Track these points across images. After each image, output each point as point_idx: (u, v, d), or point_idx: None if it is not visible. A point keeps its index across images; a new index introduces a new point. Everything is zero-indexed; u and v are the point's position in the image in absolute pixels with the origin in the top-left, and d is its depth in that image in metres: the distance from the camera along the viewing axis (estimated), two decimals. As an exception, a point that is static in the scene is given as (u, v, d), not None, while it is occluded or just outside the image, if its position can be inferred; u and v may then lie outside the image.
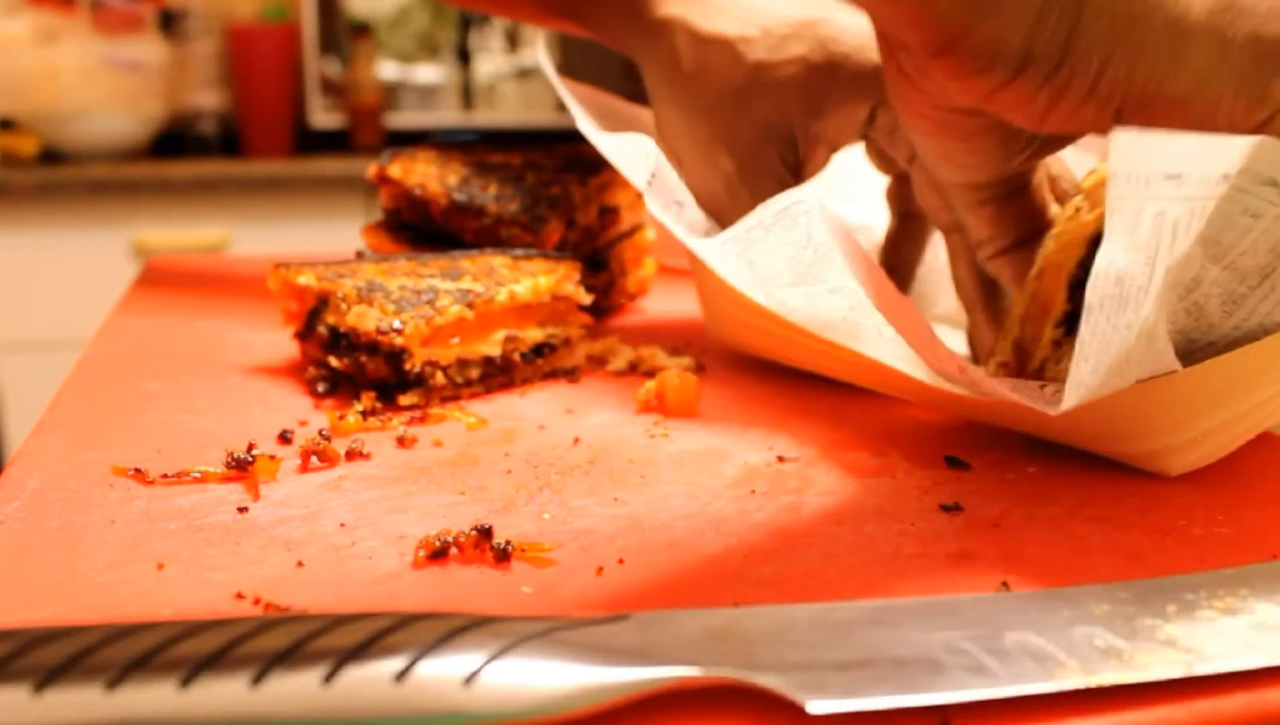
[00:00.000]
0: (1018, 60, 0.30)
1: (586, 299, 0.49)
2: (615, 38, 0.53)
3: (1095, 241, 0.36)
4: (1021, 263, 0.40)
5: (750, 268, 0.41)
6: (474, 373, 0.46)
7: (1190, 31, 0.29)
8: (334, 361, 0.44)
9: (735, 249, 0.41)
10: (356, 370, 0.44)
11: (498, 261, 0.49)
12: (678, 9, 0.50)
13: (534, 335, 0.47)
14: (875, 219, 0.55)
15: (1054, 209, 0.40)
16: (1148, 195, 0.27)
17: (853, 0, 0.30)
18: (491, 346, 0.46)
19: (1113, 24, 0.29)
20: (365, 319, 0.43)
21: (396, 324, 0.43)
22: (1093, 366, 0.31)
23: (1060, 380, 0.36)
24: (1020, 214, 0.39)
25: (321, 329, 0.45)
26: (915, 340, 0.36)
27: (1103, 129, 0.31)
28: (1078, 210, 0.38)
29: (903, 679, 0.22)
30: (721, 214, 0.48)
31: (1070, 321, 0.37)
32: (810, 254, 0.39)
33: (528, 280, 0.47)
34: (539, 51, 0.52)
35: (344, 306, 0.45)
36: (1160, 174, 0.27)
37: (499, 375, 0.46)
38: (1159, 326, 0.30)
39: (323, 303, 0.46)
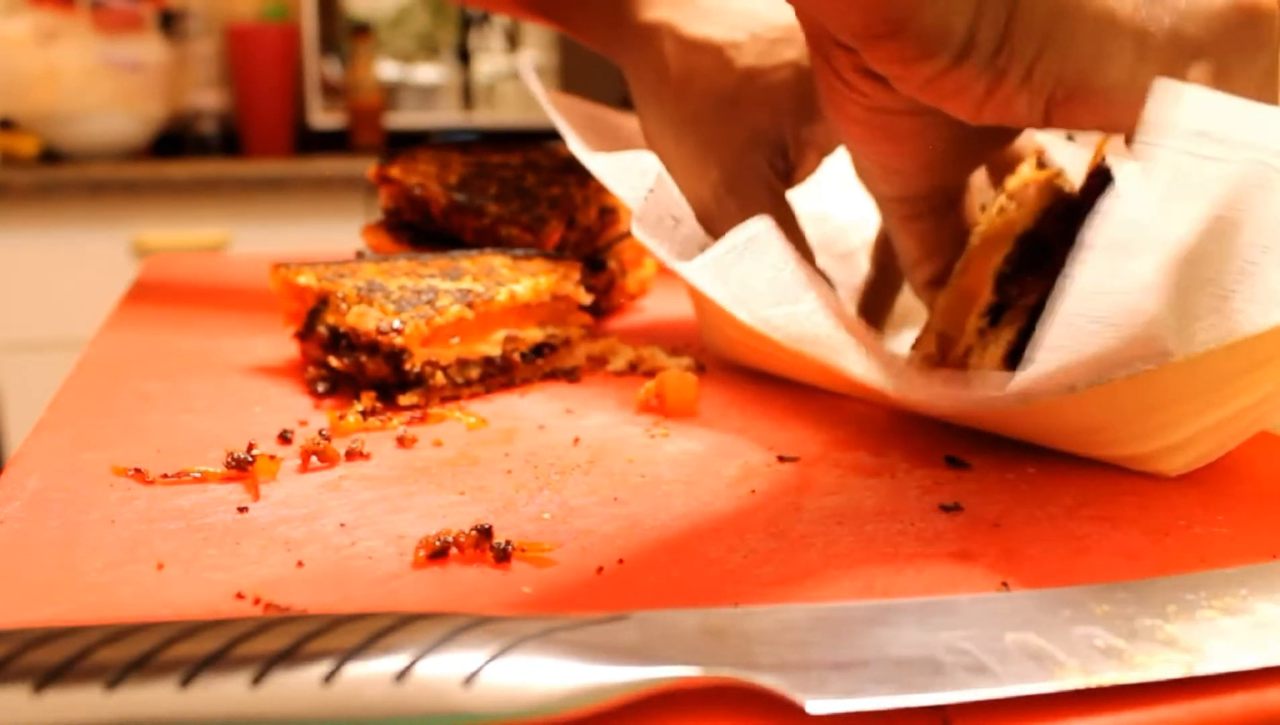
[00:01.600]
0: (960, 45, 0.30)
1: (586, 299, 0.49)
2: (598, 41, 0.52)
3: (1023, 239, 0.38)
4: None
5: (729, 288, 0.42)
6: (474, 372, 0.46)
7: (1117, 26, 0.30)
8: (334, 361, 0.44)
9: (711, 272, 0.42)
10: (356, 370, 0.44)
11: (498, 261, 0.49)
12: (663, 13, 0.49)
13: (534, 335, 0.47)
14: (867, 215, 0.54)
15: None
16: (1173, 144, 0.27)
17: None
18: (491, 346, 0.46)
19: (1048, 13, 0.30)
20: (365, 319, 0.43)
21: (396, 324, 0.43)
22: (1084, 306, 0.30)
23: (987, 367, 0.37)
24: (952, 234, 0.40)
25: (321, 329, 0.45)
26: (887, 366, 0.36)
27: (1034, 121, 0.32)
28: (1002, 209, 0.39)
29: (903, 679, 0.22)
30: (710, 223, 0.47)
31: (995, 313, 0.38)
32: (788, 276, 0.40)
33: (528, 280, 0.47)
34: (525, 69, 0.52)
35: (344, 306, 0.45)
36: (1189, 129, 0.27)
37: (499, 375, 0.46)
38: (1160, 297, 0.30)
39: (323, 303, 0.46)
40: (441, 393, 0.44)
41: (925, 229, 0.40)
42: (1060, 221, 0.38)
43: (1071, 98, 0.31)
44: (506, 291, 0.46)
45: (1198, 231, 0.30)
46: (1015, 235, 0.38)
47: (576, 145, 0.48)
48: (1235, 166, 0.28)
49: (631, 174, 0.45)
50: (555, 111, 0.50)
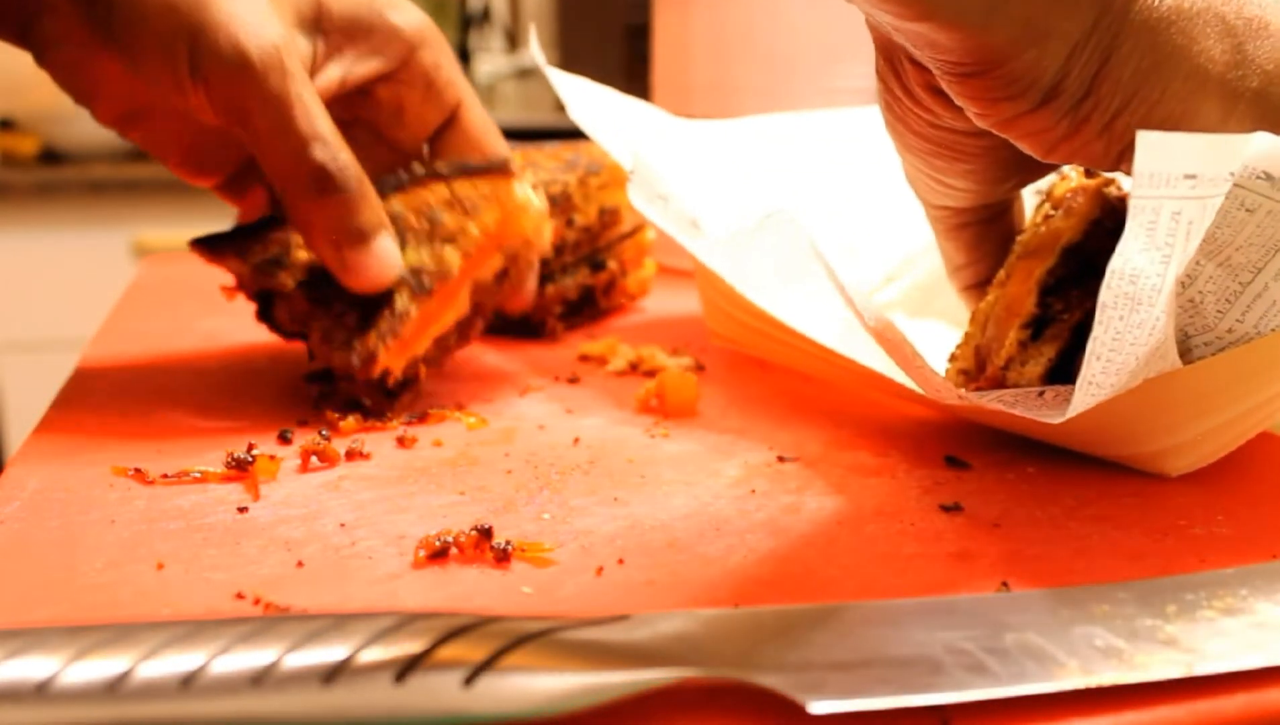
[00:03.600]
0: (1048, 90, 0.30)
1: (539, 203, 0.46)
2: None
3: (1067, 250, 0.37)
4: None
5: (740, 270, 0.41)
6: (451, 340, 0.45)
7: (1206, 85, 0.30)
8: (324, 393, 0.43)
9: (722, 251, 0.41)
10: (350, 390, 0.43)
11: (435, 201, 0.45)
12: None
13: (495, 264, 0.45)
14: (863, 242, 0.54)
15: None
16: (1167, 195, 0.28)
17: (899, 10, 0.29)
18: (460, 306, 0.44)
19: (1139, 67, 0.30)
20: (340, 358, 0.41)
21: (355, 361, 0.41)
22: (1103, 365, 0.31)
23: (1025, 383, 0.36)
24: (998, 241, 0.40)
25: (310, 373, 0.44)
26: (904, 365, 0.36)
27: (1107, 165, 0.32)
28: (1047, 217, 0.38)
29: (903, 679, 0.22)
30: None
31: (1037, 326, 0.37)
32: (798, 259, 0.39)
33: (474, 227, 0.44)
34: (532, 43, 0.52)
35: (312, 343, 0.43)
36: (1179, 174, 0.27)
37: (476, 320, 0.45)
38: (1169, 326, 0.31)
39: (268, 294, 0.44)
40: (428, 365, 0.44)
41: (972, 236, 0.40)
42: (1109, 235, 0.37)
43: None
44: (457, 259, 0.43)
45: (1192, 262, 0.30)
46: (1060, 246, 0.37)
47: (579, 111, 0.48)
48: (1219, 196, 0.28)
49: (626, 151, 0.45)
50: (561, 85, 0.50)
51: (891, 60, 0.34)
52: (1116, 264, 0.29)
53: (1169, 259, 0.29)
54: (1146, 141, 0.27)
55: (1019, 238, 0.39)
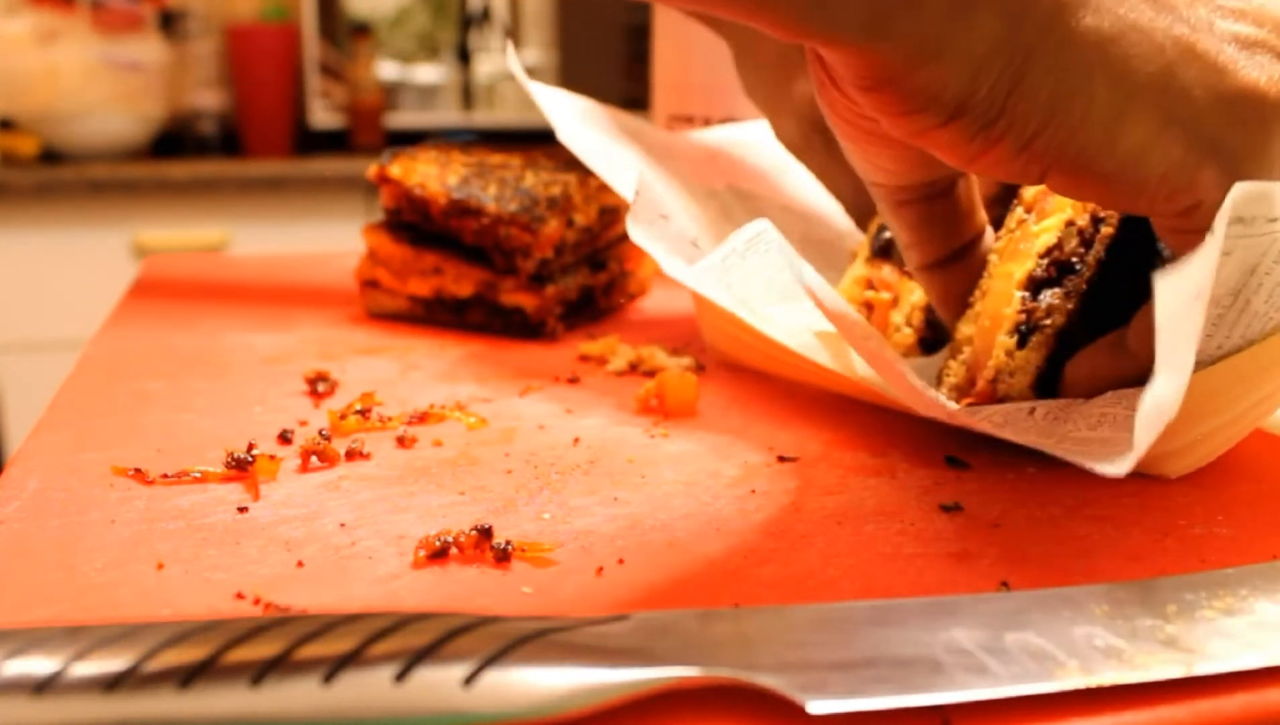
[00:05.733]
0: (953, 108, 0.29)
1: None
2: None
3: (1045, 254, 0.37)
4: (952, 282, 0.39)
5: (730, 291, 0.41)
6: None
7: (1128, 112, 0.29)
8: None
9: (713, 276, 0.42)
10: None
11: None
12: None
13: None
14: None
15: (983, 215, 0.39)
16: (1189, 319, 0.27)
17: (775, 30, 0.29)
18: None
19: (1055, 92, 0.29)
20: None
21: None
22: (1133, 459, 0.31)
23: (1017, 395, 0.36)
24: (945, 217, 0.38)
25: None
26: (896, 386, 0.36)
27: (1030, 181, 0.31)
28: (1021, 222, 0.38)
29: (903, 679, 0.22)
30: (805, 157, 0.53)
31: (1022, 334, 0.37)
32: (788, 275, 0.39)
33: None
34: (510, 61, 0.52)
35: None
36: (1190, 296, 0.27)
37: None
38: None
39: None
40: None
41: (915, 215, 0.38)
42: (1080, 234, 0.37)
43: (1070, 174, 0.30)
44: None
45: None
46: (1035, 252, 0.37)
47: (567, 133, 0.48)
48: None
49: (619, 171, 0.45)
50: (546, 104, 0.50)
51: (813, 53, 0.33)
52: (1149, 401, 0.28)
53: (1185, 374, 0.28)
54: (1165, 287, 0.25)
55: (995, 246, 0.39)
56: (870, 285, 0.42)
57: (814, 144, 0.52)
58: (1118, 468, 0.28)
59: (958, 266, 0.39)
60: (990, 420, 0.34)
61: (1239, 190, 0.28)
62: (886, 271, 0.41)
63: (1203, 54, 0.29)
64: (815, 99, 0.37)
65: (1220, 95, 0.29)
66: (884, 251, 0.42)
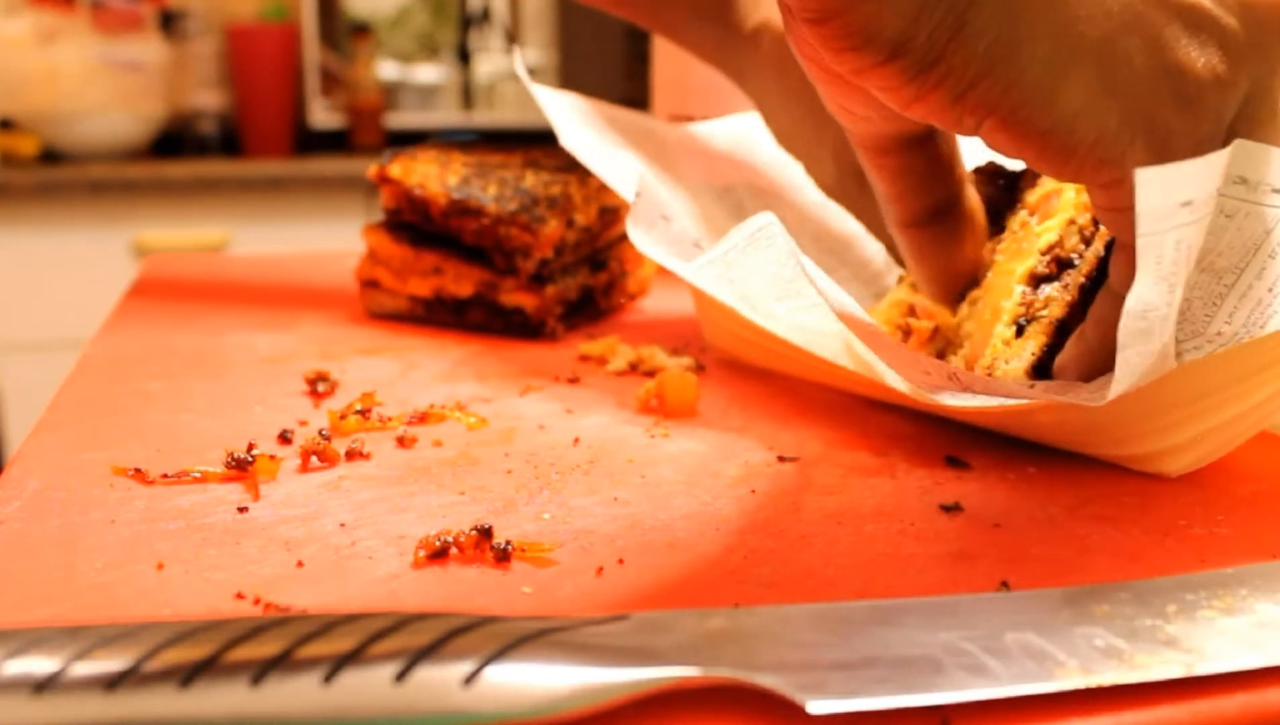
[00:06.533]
0: (890, 47, 0.29)
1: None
2: (709, 55, 0.57)
3: (1047, 251, 0.38)
4: (931, 243, 0.39)
5: (732, 286, 0.41)
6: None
7: (1069, 74, 0.29)
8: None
9: (714, 271, 0.42)
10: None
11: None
12: (763, 14, 0.52)
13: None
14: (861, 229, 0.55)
15: (964, 170, 0.39)
16: (1170, 226, 0.27)
17: None
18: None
19: (995, 42, 0.29)
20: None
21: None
22: (1122, 387, 0.31)
23: (1013, 381, 0.37)
24: (925, 169, 0.38)
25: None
26: (895, 361, 0.36)
27: (965, 132, 0.31)
28: (1024, 224, 0.39)
29: (903, 679, 0.22)
30: (843, 200, 0.52)
31: (1019, 325, 0.38)
32: (790, 271, 0.39)
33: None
34: (516, 64, 0.52)
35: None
36: (1177, 203, 0.27)
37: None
38: (1171, 342, 0.31)
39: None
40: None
41: (894, 165, 0.38)
42: (1080, 232, 0.38)
43: (1003, 129, 0.30)
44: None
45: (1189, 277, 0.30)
46: (1036, 248, 0.38)
47: (571, 139, 0.48)
48: (1209, 213, 0.28)
49: (621, 173, 0.45)
50: (549, 107, 0.50)
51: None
52: (1130, 305, 0.29)
53: (1175, 287, 0.29)
54: (1145, 179, 0.26)
55: (998, 247, 0.39)
56: (912, 311, 0.42)
57: (850, 189, 0.51)
58: (1106, 392, 0.29)
59: (938, 227, 0.39)
60: (990, 388, 0.34)
61: (1238, 145, 0.29)
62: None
63: (1148, 25, 0.29)
64: (847, 144, 0.38)
65: (1157, 70, 0.29)
66: None
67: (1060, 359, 0.36)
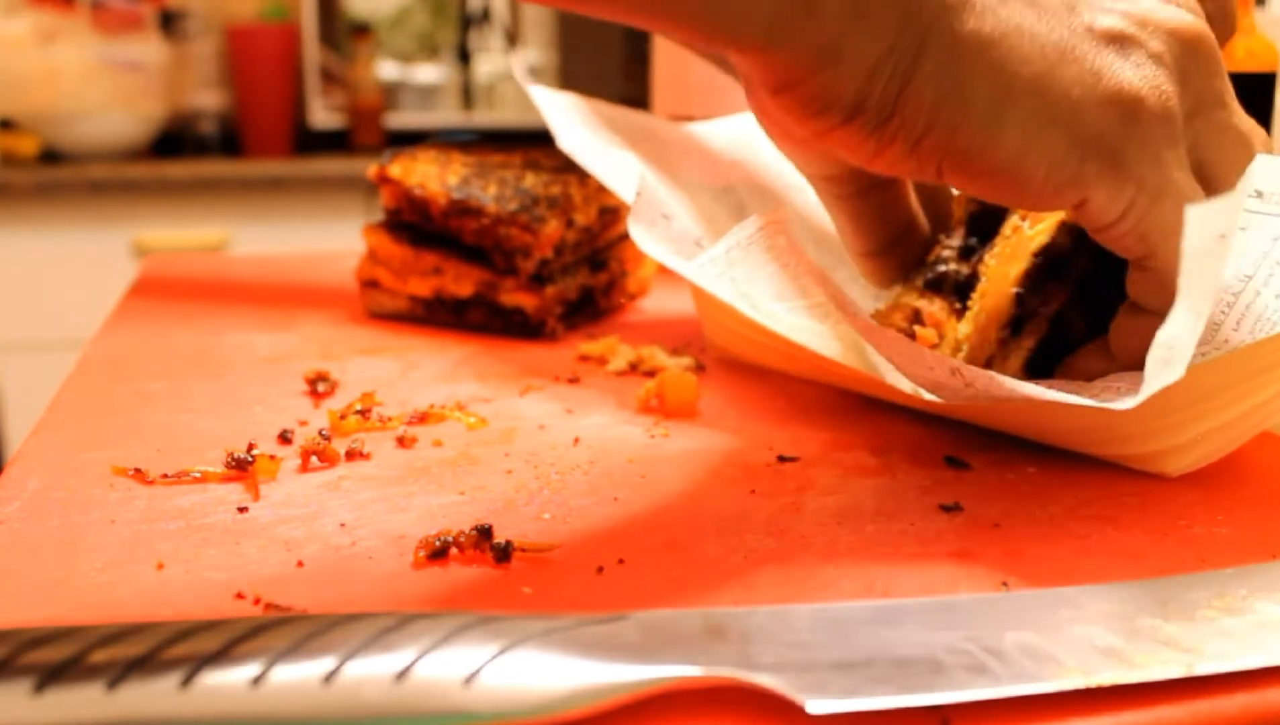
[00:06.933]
0: (849, 109, 0.30)
1: None
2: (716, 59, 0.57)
3: (1039, 253, 0.38)
4: (889, 267, 0.42)
5: (733, 284, 0.42)
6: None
7: (1008, 111, 0.30)
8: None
9: (716, 269, 0.42)
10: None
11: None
12: None
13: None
14: None
15: (915, 206, 0.41)
16: (1209, 260, 0.28)
17: (685, 37, 0.30)
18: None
19: (939, 91, 0.30)
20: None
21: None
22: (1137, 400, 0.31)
23: (1010, 377, 0.37)
24: (880, 209, 0.40)
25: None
26: (897, 356, 0.36)
27: (929, 178, 0.32)
28: (1016, 228, 0.39)
29: (903, 679, 0.22)
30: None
31: (1015, 324, 0.38)
32: (792, 269, 0.40)
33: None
34: (515, 66, 0.52)
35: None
36: (1215, 236, 0.27)
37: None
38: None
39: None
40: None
41: (854, 207, 0.40)
42: (1073, 232, 0.38)
43: (959, 170, 0.31)
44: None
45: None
46: (1030, 251, 0.38)
47: (569, 140, 0.48)
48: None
49: (620, 174, 0.45)
50: (546, 108, 0.50)
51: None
52: (1161, 337, 0.29)
53: (1201, 316, 0.29)
54: (1194, 217, 0.26)
55: (992, 251, 0.40)
56: (917, 316, 0.42)
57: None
58: (1125, 403, 0.29)
59: (893, 254, 0.41)
60: (992, 380, 0.34)
61: (1262, 161, 0.29)
62: (937, 307, 0.42)
63: (1080, 57, 0.31)
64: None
65: (1097, 96, 0.31)
66: (937, 285, 0.42)
67: (1081, 370, 0.37)
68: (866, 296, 0.52)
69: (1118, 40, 0.31)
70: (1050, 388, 0.34)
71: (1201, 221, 0.27)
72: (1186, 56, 0.32)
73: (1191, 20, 0.33)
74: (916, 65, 0.30)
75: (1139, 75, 0.31)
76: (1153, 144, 0.31)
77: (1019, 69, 0.30)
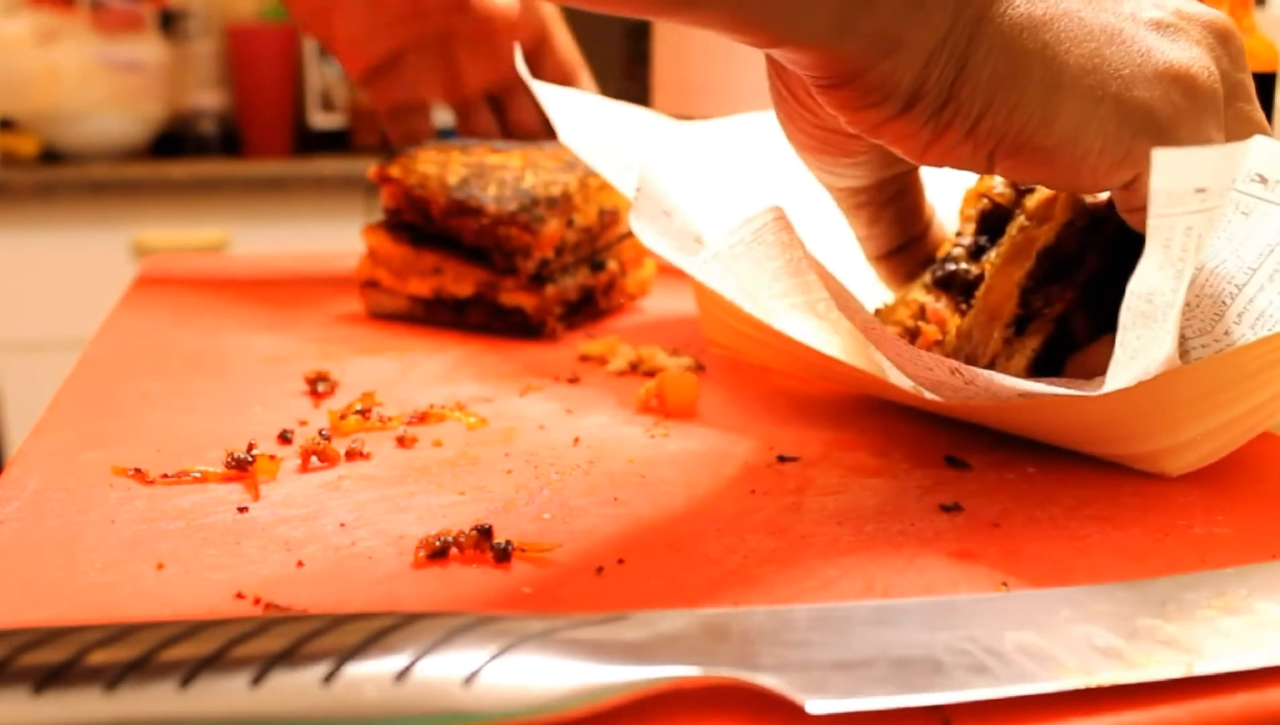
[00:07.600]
0: (907, 97, 0.31)
1: None
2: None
3: (1044, 253, 0.38)
4: (902, 267, 0.43)
5: (736, 281, 0.41)
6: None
7: (1062, 89, 0.31)
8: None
9: (718, 266, 0.42)
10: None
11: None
12: None
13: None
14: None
15: (930, 207, 0.43)
16: (1181, 210, 0.28)
17: (751, 38, 0.31)
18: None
19: (994, 74, 0.31)
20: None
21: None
22: (1126, 377, 0.31)
23: (1015, 374, 0.37)
24: (896, 216, 0.42)
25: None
26: (897, 356, 0.36)
27: (979, 168, 0.33)
28: (1022, 227, 0.39)
29: (903, 679, 0.22)
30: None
31: (1019, 324, 0.39)
32: (793, 266, 0.40)
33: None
34: (518, 63, 0.52)
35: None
36: (1191, 189, 0.27)
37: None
38: (1176, 333, 0.31)
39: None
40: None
41: (870, 214, 0.41)
42: (1080, 234, 0.39)
43: (1014, 154, 0.32)
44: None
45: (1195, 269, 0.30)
46: (1035, 250, 0.38)
47: (570, 135, 0.48)
48: (1223, 205, 0.29)
49: (621, 170, 0.45)
50: (548, 103, 0.50)
51: (774, 63, 0.36)
52: (1135, 285, 0.29)
53: (1181, 274, 0.29)
54: (1161, 160, 0.27)
55: (997, 250, 0.40)
56: (923, 313, 0.43)
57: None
58: (1116, 381, 0.30)
59: (906, 255, 0.43)
60: (992, 381, 0.35)
61: (1259, 143, 0.29)
62: (943, 304, 0.42)
63: (1129, 39, 0.32)
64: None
65: (1147, 73, 0.32)
66: (945, 283, 0.42)
67: (1075, 369, 0.37)
68: (867, 297, 0.52)
69: (1162, 26, 0.32)
70: (1050, 382, 0.34)
71: (1171, 165, 0.27)
72: (1220, 47, 0.33)
73: (1224, 16, 0.34)
74: (971, 49, 0.31)
75: (1188, 55, 0.32)
76: (1203, 122, 0.32)
77: (1070, 49, 0.31)
